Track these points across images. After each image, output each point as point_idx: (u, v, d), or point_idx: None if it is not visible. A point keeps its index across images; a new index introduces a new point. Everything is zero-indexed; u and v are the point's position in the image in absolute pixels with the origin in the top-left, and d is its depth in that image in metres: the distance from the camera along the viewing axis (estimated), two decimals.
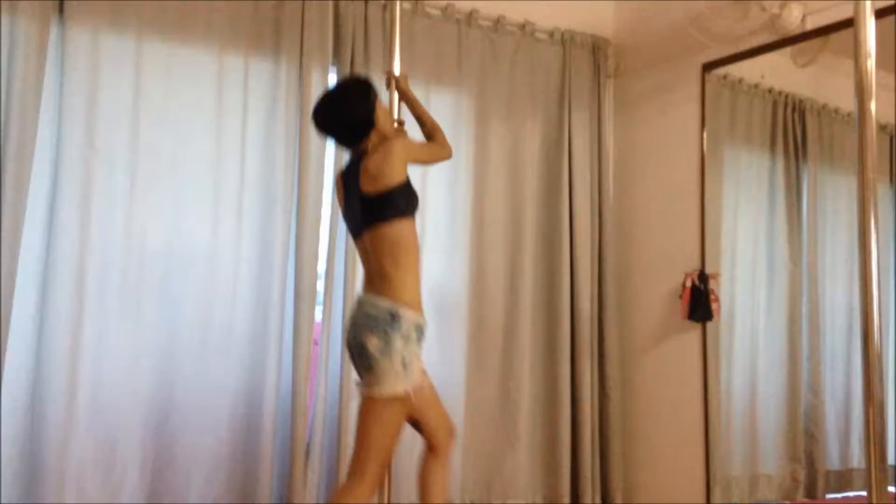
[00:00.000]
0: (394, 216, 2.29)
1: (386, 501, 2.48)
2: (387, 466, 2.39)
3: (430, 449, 2.47)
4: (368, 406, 2.25)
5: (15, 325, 2.67)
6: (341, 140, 2.48)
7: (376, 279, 2.31)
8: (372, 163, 2.29)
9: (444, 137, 2.62)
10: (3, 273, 2.61)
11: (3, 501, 2.66)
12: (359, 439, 2.28)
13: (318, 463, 3.14)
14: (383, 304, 2.24)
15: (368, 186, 2.28)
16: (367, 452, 2.25)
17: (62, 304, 2.77)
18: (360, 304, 2.32)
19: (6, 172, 2.64)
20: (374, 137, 2.38)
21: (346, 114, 2.38)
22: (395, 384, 2.19)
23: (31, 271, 2.74)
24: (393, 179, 2.27)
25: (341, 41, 3.29)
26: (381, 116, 2.41)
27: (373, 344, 2.20)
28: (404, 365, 2.21)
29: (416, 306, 2.31)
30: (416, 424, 2.43)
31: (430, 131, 2.63)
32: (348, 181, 2.40)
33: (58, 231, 2.77)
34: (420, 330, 2.30)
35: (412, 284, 2.31)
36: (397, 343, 2.21)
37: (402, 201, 2.31)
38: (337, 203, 2.60)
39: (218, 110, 3.08)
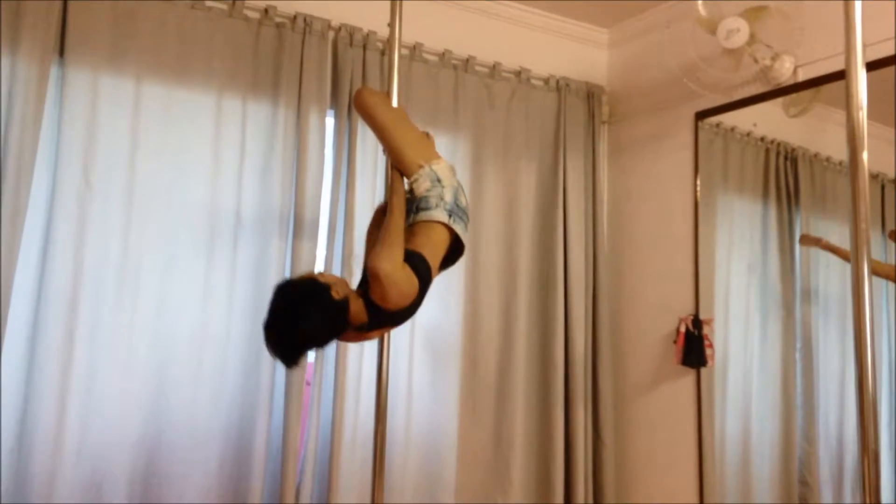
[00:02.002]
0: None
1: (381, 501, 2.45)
2: None
3: None
4: None
5: (5, 359, 2.65)
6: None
7: None
8: (390, 304, 2.10)
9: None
10: None
11: None
12: None
13: None
14: None
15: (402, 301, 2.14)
16: None
17: (53, 340, 2.74)
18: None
19: (3, 208, 2.64)
20: (354, 308, 2.10)
21: (320, 333, 2.07)
22: None
23: (23, 308, 2.72)
24: (412, 289, 2.13)
25: (339, 85, 3.32)
26: (339, 288, 2.07)
27: None
28: None
29: None
30: None
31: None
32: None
33: (51, 269, 2.76)
34: None
35: None
36: None
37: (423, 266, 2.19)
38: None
39: (215, 152, 3.09)
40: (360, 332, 2.18)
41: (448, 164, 2.36)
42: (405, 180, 2.34)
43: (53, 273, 2.76)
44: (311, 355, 3.20)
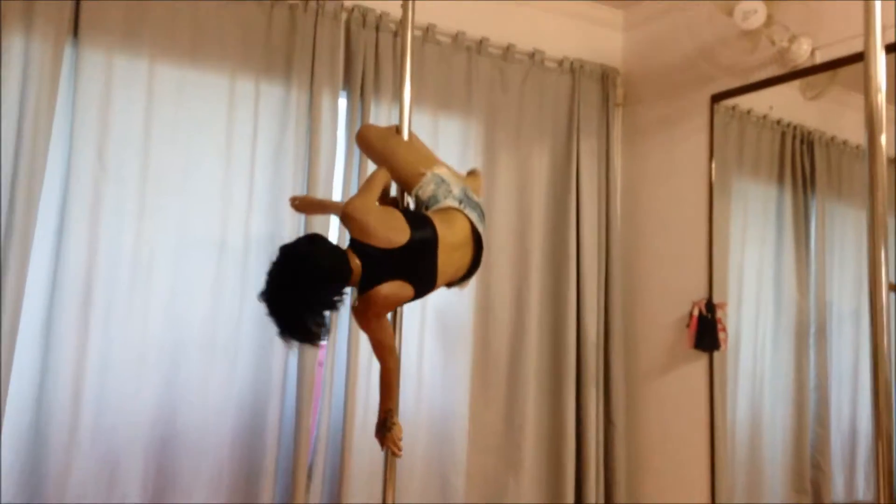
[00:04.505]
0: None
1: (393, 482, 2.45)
2: None
3: None
4: None
5: (21, 342, 2.67)
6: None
7: None
8: (370, 234, 2.07)
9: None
10: (12, 290, 2.62)
11: None
12: None
13: (320, 485, 3.13)
14: None
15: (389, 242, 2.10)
16: None
17: (68, 322, 2.77)
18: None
19: (18, 189, 2.65)
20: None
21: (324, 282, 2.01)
22: None
23: (39, 289, 2.74)
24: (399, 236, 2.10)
25: (352, 67, 3.31)
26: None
27: None
28: None
29: None
30: None
31: None
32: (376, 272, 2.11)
33: (66, 249, 2.78)
34: None
35: None
36: None
37: (421, 226, 2.17)
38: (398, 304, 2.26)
39: (228, 133, 3.09)
40: (366, 303, 2.10)
41: (451, 170, 2.37)
42: (412, 192, 2.33)
43: (69, 254, 2.78)
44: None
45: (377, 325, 2.16)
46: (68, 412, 2.75)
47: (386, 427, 2.31)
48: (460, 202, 2.26)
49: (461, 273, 2.32)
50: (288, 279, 1.99)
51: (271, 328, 3.02)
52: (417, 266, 2.13)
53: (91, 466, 2.80)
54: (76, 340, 2.77)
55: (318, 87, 3.21)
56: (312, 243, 2.07)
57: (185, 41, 3.03)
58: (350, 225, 2.11)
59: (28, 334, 2.71)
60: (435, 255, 2.15)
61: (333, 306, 2.02)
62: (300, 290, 1.98)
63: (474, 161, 3.60)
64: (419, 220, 2.17)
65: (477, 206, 2.31)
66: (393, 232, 2.08)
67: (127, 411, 2.86)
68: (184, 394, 2.97)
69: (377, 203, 2.23)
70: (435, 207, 2.27)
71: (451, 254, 2.20)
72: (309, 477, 3.10)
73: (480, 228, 2.29)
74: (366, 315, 2.11)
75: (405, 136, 2.47)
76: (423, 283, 2.17)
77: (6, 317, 2.61)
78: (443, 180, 2.29)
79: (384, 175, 2.31)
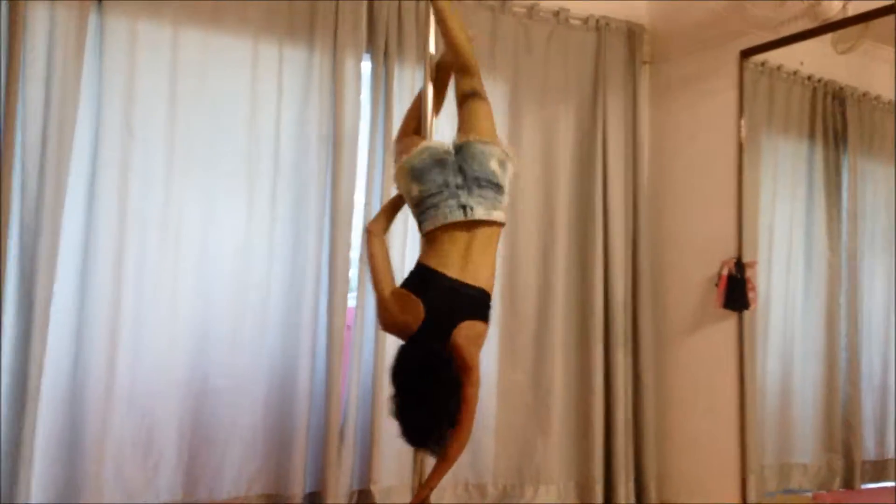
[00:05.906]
0: None
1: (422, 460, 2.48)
2: None
3: None
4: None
5: (55, 307, 2.72)
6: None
7: None
8: (403, 325, 2.15)
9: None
10: (45, 256, 2.67)
11: (43, 480, 2.73)
12: None
13: (352, 445, 3.18)
14: None
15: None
16: None
17: (101, 287, 2.82)
18: None
19: (48, 157, 2.69)
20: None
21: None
22: None
23: (71, 254, 2.79)
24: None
25: (375, 30, 3.29)
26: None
27: None
28: None
29: None
30: None
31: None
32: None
33: (97, 215, 2.83)
34: None
35: None
36: None
37: None
38: None
39: (252, 98, 3.10)
40: (458, 361, 2.10)
41: (411, 155, 2.22)
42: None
43: (99, 221, 2.82)
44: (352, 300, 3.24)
45: (474, 378, 2.14)
46: (104, 373, 2.81)
47: None
48: (420, 212, 2.19)
49: (495, 244, 2.30)
50: (406, 388, 2.06)
51: (300, 290, 3.08)
52: (458, 306, 2.13)
53: (128, 427, 2.86)
54: (110, 303, 2.83)
55: (341, 50, 3.19)
56: (406, 350, 2.11)
57: (208, 6, 3.03)
58: (391, 332, 2.21)
59: (63, 297, 2.76)
60: (458, 284, 2.14)
61: (457, 385, 2.07)
62: (424, 387, 2.04)
63: (498, 122, 3.56)
64: (419, 277, 2.16)
65: (422, 201, 2.18)
66: (417, 310, 2.10)
67: (161, 374, 2.92)
68: (215, 356, 3.02)
69: (385, 290, 2.19)
70: (421, 232, 2.22)
71: (466, 262, 2.17)
72: (341, 438, 3.15)
73: (464, 208, 2.16)
74: (465, 367, 2.11)
75: (428, 100, 2.50)
76: (477, 306, 2.18)
77: (41, 280, 2.66)
78: (407, 178, 2.21)
79: (380, 248, 2.26)
